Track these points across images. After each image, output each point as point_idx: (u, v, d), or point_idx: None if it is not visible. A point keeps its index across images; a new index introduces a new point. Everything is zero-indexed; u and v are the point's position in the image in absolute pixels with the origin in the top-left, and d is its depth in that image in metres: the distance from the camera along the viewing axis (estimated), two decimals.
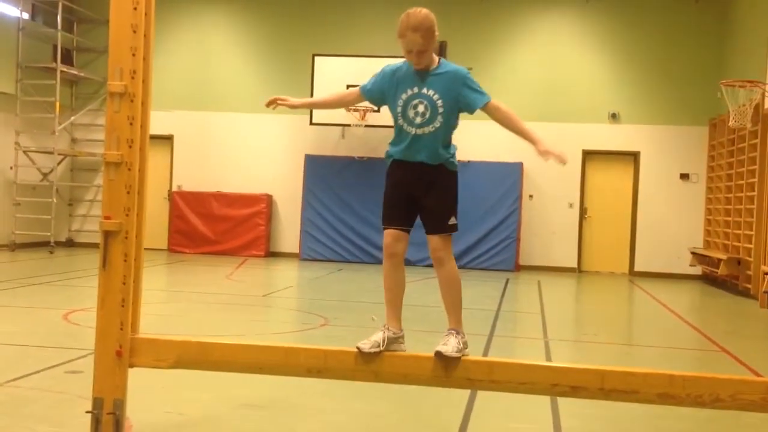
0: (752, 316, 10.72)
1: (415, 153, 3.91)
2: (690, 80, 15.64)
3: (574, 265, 16.00)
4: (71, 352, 6.10)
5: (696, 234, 15.73)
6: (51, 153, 15.64)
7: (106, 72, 3.89)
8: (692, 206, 15.78)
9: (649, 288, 13.50)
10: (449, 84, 3.89)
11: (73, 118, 16.82)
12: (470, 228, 14.84)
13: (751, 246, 12.54)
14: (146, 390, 4.70)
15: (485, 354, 6.69)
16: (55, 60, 15.58)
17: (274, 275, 13.83)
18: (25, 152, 15.69)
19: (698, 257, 15.08)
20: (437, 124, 3.89)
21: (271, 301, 10.29)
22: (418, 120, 3.89)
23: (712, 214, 15.30)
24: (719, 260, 13.49)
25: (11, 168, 15.50)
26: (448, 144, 3.97)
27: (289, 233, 16.52)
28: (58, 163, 16.08)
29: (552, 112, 15.50)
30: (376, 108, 13.74)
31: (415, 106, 3.90)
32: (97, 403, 3.82)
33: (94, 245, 13.21)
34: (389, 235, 3.95)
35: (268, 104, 4.18)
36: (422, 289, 10.33)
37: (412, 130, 3.91)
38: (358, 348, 3.79)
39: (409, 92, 3.91)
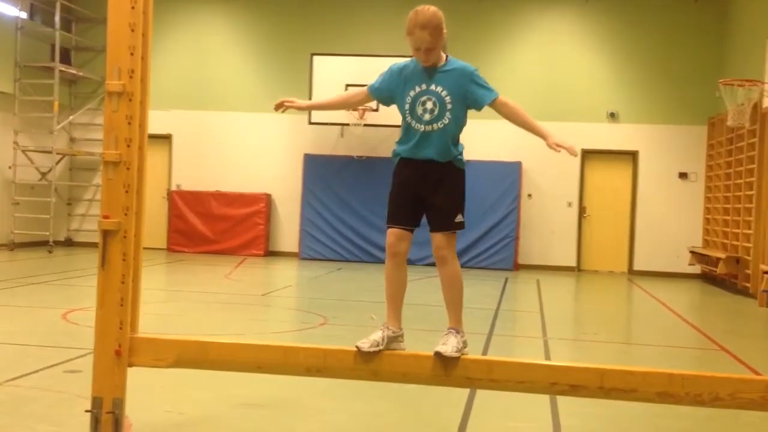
0: (751, 314, 10.73)
1: (423, 150, 3.88)
2: (689, 79, 15.65)
3: (573, 264, 16.00)
4: (70, 352, 6.10)
5: (695, 233, 15.74)
6: (49, 152, 15.63)
7: (105, 71, 3.88)
8: (691, 205, 15.79)
9: (648, 287, 13.50)
10: (457, 80, 3.87)
11: (71, 117, 16.83)
12: (469, 227, 14.45)
13: (750, 245, 12.55)
14: (145, 389, 4.69)
15: (484, 353, 6.69)
16: (54, 59, 15.57)
17: (274, 274, 13.83)
18: (23, 151, 15.68)
19: (697, 256, 15.09)
20: (446, 121, 3.86)
21: (271, 300, 10.29)
22: (427, 117, 3.86)
23: (711, 213, 15.30)
24: (718, 259, 13.50)
25: (10, 167, 15.49)
26: (457, 141, 3.94)
27: (288, 232, 16.52)
28: (57, 163, 16.07)
29: (551, 111, 15.45)
30: (374, 107, 13.89)
31: (424, 103, 3.87)
32: (97, 402, 3.81)
33: (93, 244, 13.12)
34: (393, 234, 3.93)
35: (277, 107, 4.14)
36: (423, 288, 10.32)
37: (421, 127, 3.88)
38: (357, 347, 3.78)
39: (417, 89, 3.89)
